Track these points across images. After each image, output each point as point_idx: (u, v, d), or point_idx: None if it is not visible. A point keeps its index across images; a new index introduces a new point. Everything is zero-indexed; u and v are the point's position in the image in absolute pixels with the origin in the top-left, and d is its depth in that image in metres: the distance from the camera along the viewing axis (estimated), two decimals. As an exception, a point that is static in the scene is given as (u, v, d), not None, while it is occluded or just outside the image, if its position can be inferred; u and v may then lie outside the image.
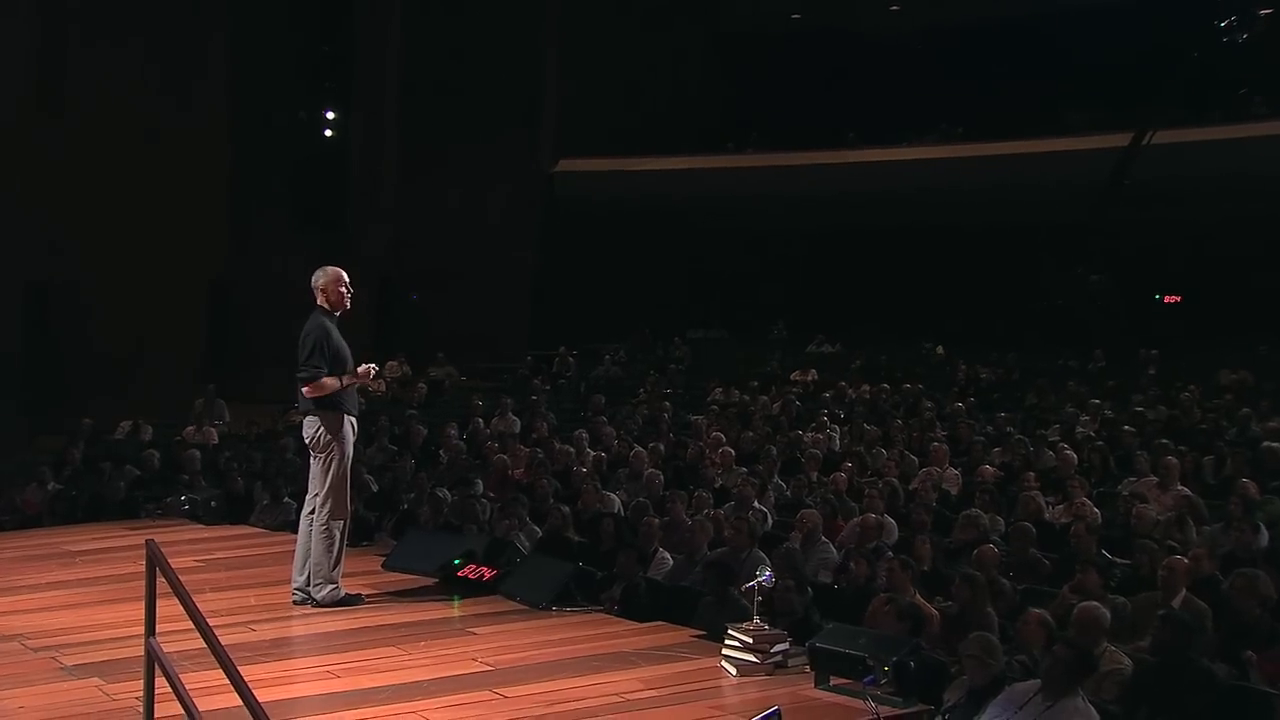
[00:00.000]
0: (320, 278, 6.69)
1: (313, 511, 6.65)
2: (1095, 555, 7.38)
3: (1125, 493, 9.41)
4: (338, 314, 6.69)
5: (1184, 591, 6.54)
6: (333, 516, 6.59)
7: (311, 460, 6.69)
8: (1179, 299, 21.18)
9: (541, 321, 22.26)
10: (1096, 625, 5.77)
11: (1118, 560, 7.64)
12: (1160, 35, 19.64)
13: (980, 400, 14.93)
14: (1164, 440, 10.86)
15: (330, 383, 6.52)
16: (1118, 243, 19.60)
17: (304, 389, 6.52)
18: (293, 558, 6.80)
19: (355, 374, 6.67)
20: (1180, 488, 9.42)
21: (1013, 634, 6.10)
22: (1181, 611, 6.13)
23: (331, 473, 6.56)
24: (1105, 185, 19.21)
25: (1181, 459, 10.03)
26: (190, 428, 14.29)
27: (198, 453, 12.13)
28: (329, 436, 6.55)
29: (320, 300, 6.67)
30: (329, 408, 6.56)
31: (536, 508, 9.31)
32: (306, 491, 6.78)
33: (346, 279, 6.73)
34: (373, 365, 6.92)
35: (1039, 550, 7.94)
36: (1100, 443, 11.30)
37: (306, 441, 6.64)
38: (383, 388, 17.66)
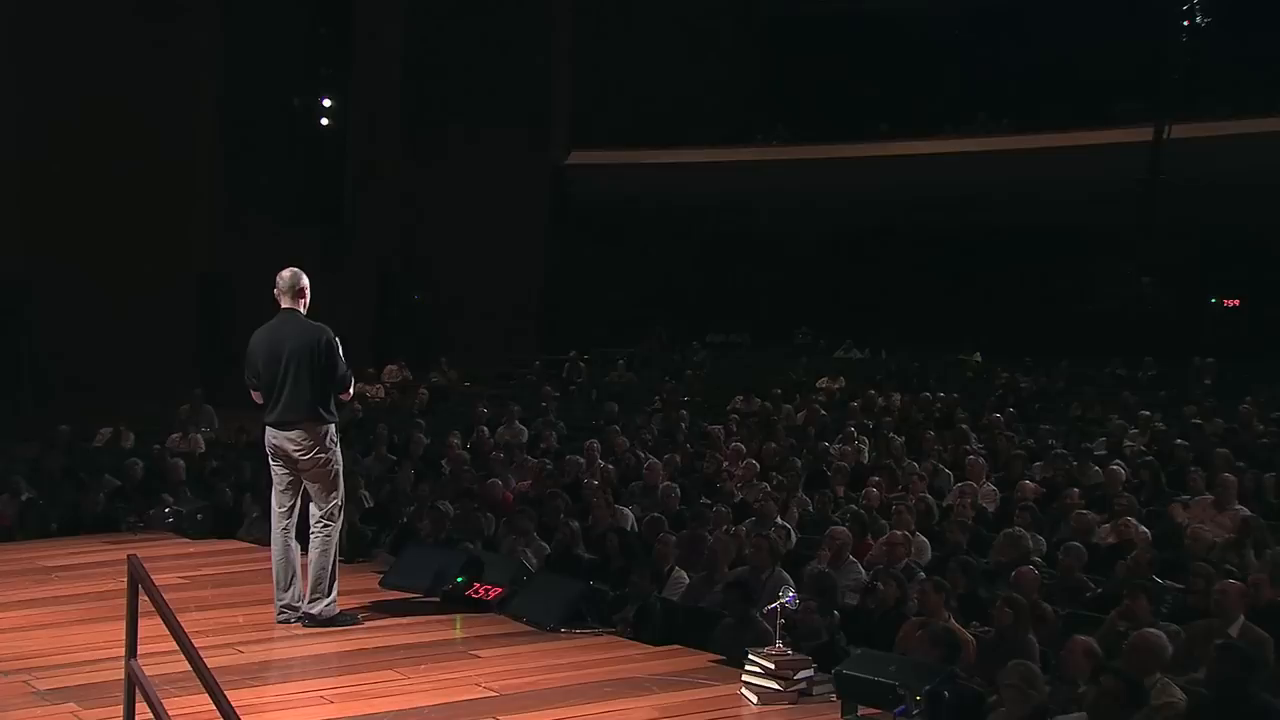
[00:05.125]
0: (300, 280, 6.72)
1: (285, 528, 6.71)
2: (1146, 579, 7.33)
3: (1180, 516, 9.36)
4: None
5: (1242, 619, 6.49)
6: (335, 526, 6.70)
7: (286, 472, 6.67)
8: (1238, 302, 21.07)
9: (551, 324, 22.30)
10: (1154, 655, 5.72)
11: (1170, 584, 7.59)
12: (1217, 21, 19.53)
13: (1020, 411, 14.86)
14: (1222, 450, 10.79)
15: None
16: (1172, 242, 19.49)
17: (341, 395, 6.73)
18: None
19: None
20: (1239, 507, 9.36)
21: (1055, 663, 6.06)
22: (1240, 641, 6.08)
23: (335, 482, 6.69)
24: (1144, 182, 19.14)
25: (1240, 476, 9.96)
26: (175, 435, 14.31)
27: (183, 462, 12.15)
28: (332, 445, 6.65)
29: (296, 304, 6.71)
30: (330, 417, 6.65)
31: (545, 523, 9.31)
32: (277, 504, 6.76)
33: None
34: None
35: (1082, 573, 7.90)
36: (1150, 458, 11.24)
37: (297, 455, 6.61)
38: (381, 393, 17.72)
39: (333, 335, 6.66)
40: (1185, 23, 19.35)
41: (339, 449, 6.76)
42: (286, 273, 6.74)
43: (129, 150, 17.13)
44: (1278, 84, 19.24)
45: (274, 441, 6.67)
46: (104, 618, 6.59)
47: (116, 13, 17.33)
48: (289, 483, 6.70)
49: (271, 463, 6.76)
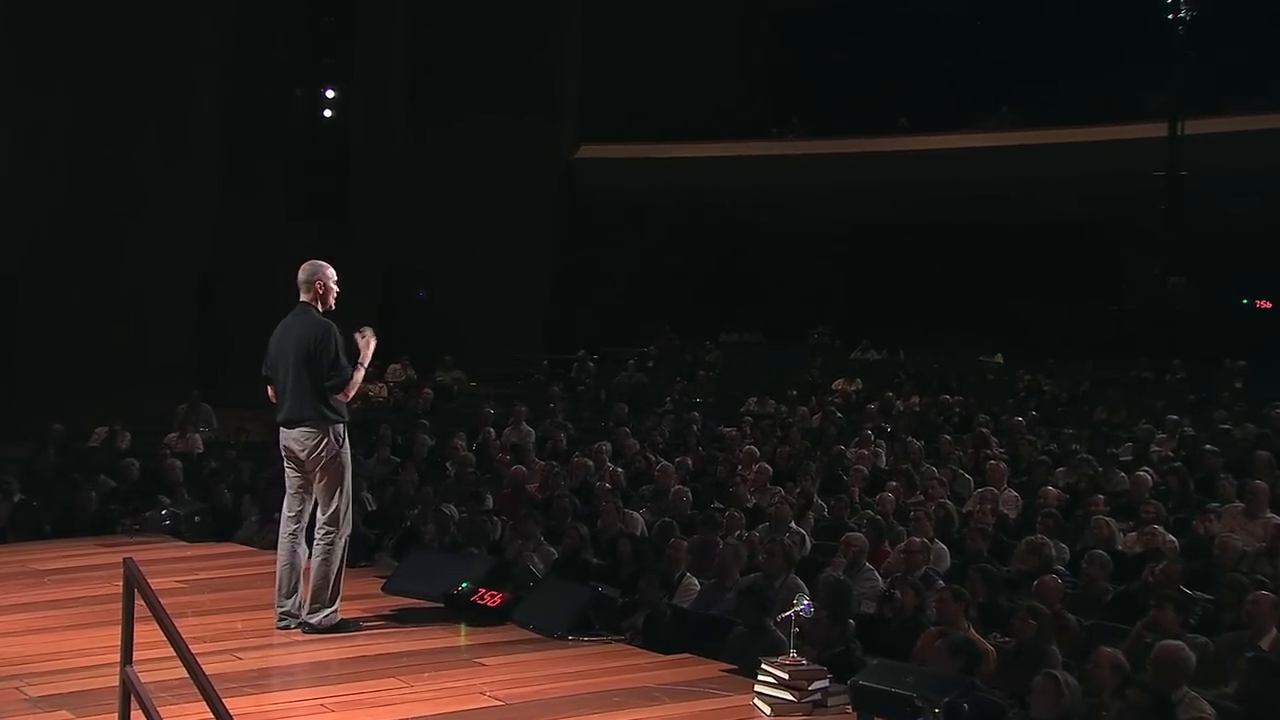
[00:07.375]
0: (315, 273, 6.70)
1: (294, 532, 6.68)
2: (1174, 589, 7.30)
3: (1210, 524, 9.32)
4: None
5: (1274, 631, 6.47)
6: (341, 533, 6.66)
7: (297, 474, 6.66)
8: (1270, 304, 20.99)
9: (559, 322, 22.29)
10: (1178, 667, 5.71)
11: (1198, 595, 7.57)
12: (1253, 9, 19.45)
13: (1043, 414, 14.85)
14: (1264, 453, 10.74)
15: (357, 376, 6.70)
16: (1202, 241, 19.42)
17: (336, 397, 6.59)
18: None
19: (360, 361, 6.77)
20: (1271, 515, 9.32)
21: (1079, 675, 6.04)
22: (1271, 654, 6.06)
23: (341, 486, 6.65)
24: (1164, 178, 19.08)
25: (1273, 483, 9.93)
26: (173, 435, 14.35)
27: (180, 463, 12.17)
28: (337, 447, 6.61)
29: (309, 298, 6.69)
30: (335, 416, 6.60)
31: (552, 527, 9.31)
32: (287, 507, 6.76)
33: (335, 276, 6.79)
34: (366, 329, 6.85)
35: (1108, 582, 7.87)
36: (1179, 464, 11.21)
37: (304, 455, 6.60)
38: (384, 393, 17.75)
39: (333, 331, 6.61)
40: (1170, 15, 19.34)
41: (348, 451, 6.70)
42: (304, 265, 6.76)
43: (127, 143, 17.15)
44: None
45: (283, 442, 6.68)
46: (98, 623, 6.57)
47: (116, 2, 17.36)
48: (299, 486, 6.68)
49: (285, 466, 6.75)
